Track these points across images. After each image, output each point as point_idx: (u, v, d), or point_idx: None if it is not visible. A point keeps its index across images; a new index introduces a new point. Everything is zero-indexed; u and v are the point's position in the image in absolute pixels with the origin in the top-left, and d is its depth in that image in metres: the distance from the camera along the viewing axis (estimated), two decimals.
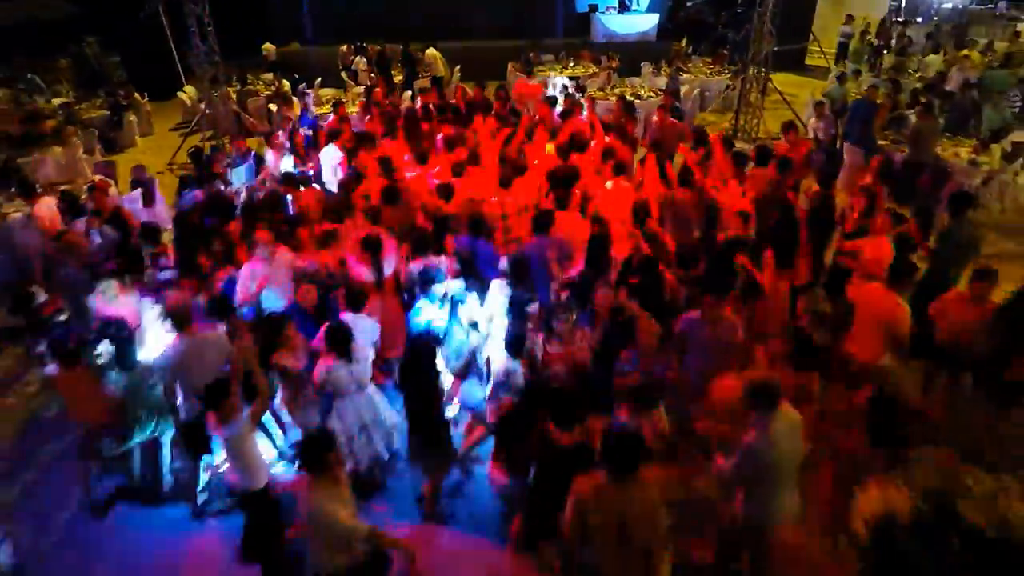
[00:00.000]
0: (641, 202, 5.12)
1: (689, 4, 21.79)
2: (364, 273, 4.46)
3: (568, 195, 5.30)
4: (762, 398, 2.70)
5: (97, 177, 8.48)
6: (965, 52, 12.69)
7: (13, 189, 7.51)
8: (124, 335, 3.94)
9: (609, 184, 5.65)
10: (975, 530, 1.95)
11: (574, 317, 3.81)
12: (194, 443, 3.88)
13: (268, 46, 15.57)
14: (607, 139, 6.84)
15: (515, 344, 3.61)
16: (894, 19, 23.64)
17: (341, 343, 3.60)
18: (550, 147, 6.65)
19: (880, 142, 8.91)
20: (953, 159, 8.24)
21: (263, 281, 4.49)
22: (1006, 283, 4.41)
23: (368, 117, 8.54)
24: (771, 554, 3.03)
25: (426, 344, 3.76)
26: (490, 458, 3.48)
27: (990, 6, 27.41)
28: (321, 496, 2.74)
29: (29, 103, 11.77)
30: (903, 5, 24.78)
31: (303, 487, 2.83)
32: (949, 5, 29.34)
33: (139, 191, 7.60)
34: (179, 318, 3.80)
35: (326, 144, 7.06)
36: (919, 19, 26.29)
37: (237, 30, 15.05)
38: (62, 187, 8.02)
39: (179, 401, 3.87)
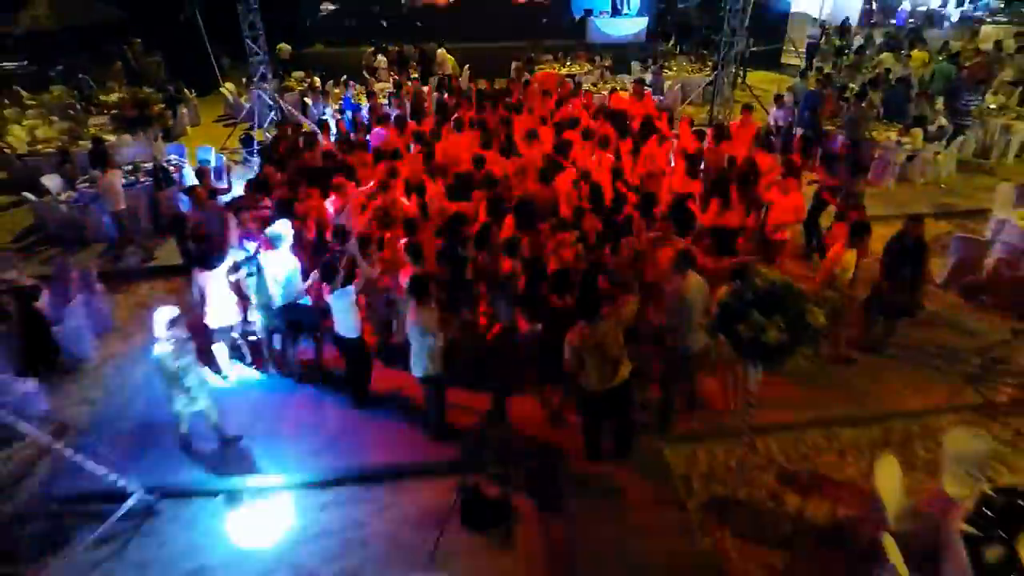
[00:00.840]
0: (618, 165, 6.69)
1: (680, 7, 23.38)
2: (407, 204, 6.02)
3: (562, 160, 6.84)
4: (681, 262, 4.22)
5: (172, 157, 10.10)
6: (914, 51, 14.20)
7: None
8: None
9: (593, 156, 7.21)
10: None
11: (573, 238, 5.28)
12: (295, 325, 5.35)
13: (283, 46, 16.95)
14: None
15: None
16: (870, 21, 25.23)
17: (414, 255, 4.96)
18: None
19: (827, 127, 10.46)
20: (884, 140, 9.76)
21: (338, 208, 5.99)
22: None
23: (399, 104, 10.12)
24: (690, 367, 4.63)
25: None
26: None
27: (959, 8, 28.94)
28: (423, 316, 4.23)
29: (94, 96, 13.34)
30: (873, 8, 26.23)
31: (411, 310, 4.29)
32: (924, 8, 30.90)
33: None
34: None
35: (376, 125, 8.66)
36: (894, 20, 27.80)
37: (268, 32, 16.61)
38: (144, 164, 9.53)
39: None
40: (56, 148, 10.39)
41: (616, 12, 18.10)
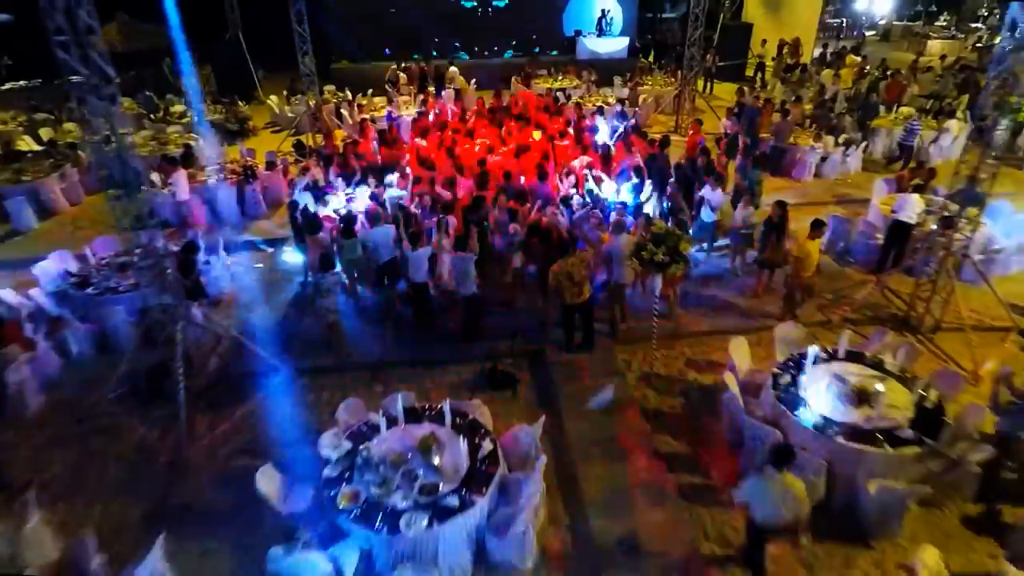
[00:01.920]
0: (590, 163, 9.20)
1: (663, 27, 25.84)
2: (447, 194, 8.47)
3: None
4: (616, 228, 6.69)
5: (248, 159, 12.49)
6: (843, 70, 16.67)
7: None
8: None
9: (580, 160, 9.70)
10: None
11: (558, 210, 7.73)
12: (382, 279, 7.76)
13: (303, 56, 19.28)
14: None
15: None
16: (839, 35, 27.72)
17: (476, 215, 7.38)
18: (537, 134, 10.68)
19: (763, 135, 12.90)
20: (804, 145, 12.20)
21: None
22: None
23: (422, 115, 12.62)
24: (621, 295, 7.10)
25: None
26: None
27: (910, 22, 31.42)
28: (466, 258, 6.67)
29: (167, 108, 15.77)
30: (844, 24, 28.75)
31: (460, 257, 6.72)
32: (883, 21, 33.38)
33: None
34: (374, 218, 7.76)
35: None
36: (856, 32, 30.25)
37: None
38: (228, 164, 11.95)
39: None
40: (147, 152, 12.84)
41: (601, 32, 20.52)
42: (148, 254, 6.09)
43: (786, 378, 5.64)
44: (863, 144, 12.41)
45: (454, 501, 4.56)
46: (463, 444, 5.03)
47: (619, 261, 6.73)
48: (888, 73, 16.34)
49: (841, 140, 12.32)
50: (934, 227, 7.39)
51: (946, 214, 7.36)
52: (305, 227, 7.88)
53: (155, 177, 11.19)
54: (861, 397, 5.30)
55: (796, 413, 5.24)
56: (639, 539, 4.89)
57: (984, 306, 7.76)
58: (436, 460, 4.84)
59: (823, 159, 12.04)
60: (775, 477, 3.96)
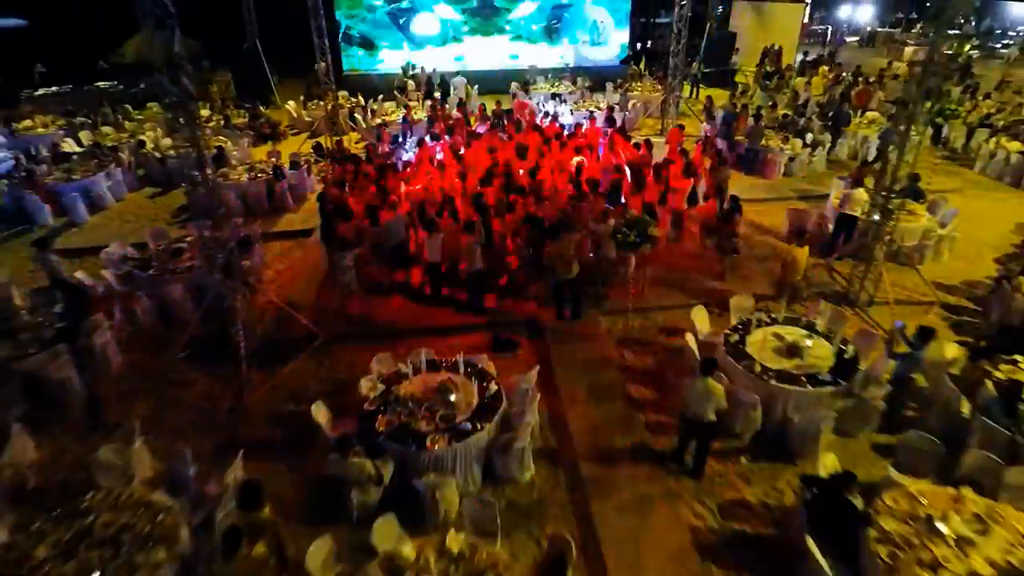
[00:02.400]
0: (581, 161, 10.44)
1: (656, 32, 27.05)
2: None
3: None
4: (601, 216, 7.93)
5: (274, 159, 13.70)
6: (815, 78, 17.92)
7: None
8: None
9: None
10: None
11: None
12: (393, 258, 9.00)
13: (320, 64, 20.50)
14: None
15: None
16: (825, 41, 28.89)
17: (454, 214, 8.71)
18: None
19: (738, 137, 14.13)
20: (774, 146, 13.42)
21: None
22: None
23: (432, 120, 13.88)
24: (606, 267, 8.35)
25: None
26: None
27: (892, 29, 32.63)
28: (472, 242, 7.90)
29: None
30: (826, 29, 29.95)
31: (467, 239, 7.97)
32: (868, 27, 34.61)
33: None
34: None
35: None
36: (837, 39, 31.52)
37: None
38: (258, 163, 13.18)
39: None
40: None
41: (595, 42, 21.79)
42: (216, 241, 7.28)
43: (735, 337, 6.89)
44: (828, 146, 13.66)
45: (467, 427, 5.80)
46: (474, 386, 6.28)
47: (604, 240, 7.98)
48: (859, 80, 17.59)
49: (808, 141, 13.55)
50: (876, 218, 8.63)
51: (888, 207, 8.59)
52: (336, 215, 9.13)
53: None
54: (792, 351, 6.56)
55: (742, 363, 6.48)
56: (613, 454, 6.14)
57: (915, 285, 9.01)
58: (452, 398, 6.08)
59: (791, 159, 13.27)
60: (701, 380, 5.23)
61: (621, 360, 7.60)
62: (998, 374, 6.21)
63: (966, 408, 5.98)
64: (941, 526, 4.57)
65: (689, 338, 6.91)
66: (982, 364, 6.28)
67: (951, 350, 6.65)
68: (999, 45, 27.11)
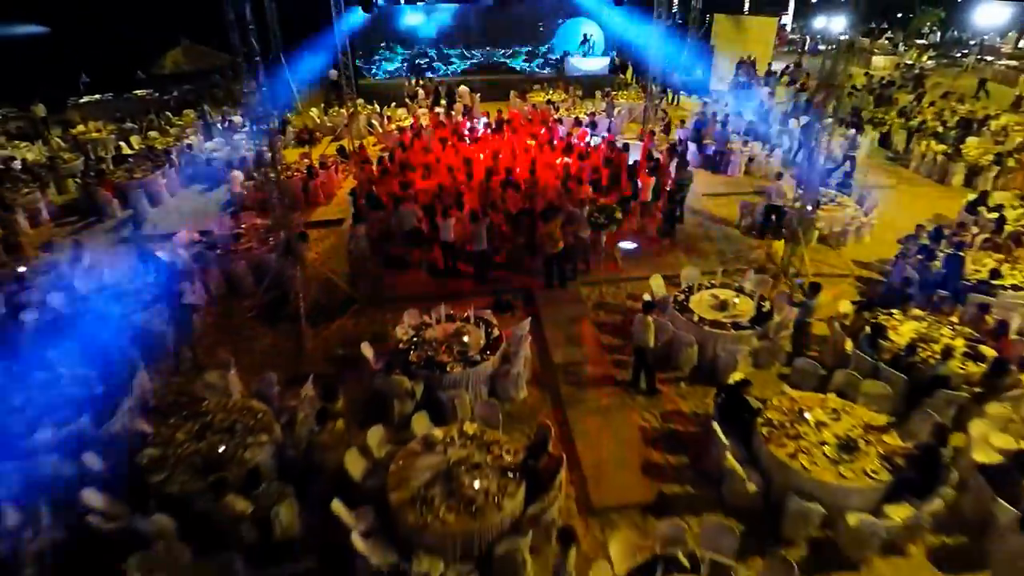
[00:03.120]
0: (567, 164, 12.37)
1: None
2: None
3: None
4: (579, 203, 9.87)
5: (305, 160, 15.61)
6: (778, 86, 19.84)
7: None
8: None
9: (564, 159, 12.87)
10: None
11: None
12: (408, 239, 10.93)
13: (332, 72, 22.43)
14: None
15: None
16: (799, 50, 30.67)
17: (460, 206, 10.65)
18: (531, 141, 13.88)
19: (706, 141, 16.05)
20: (736, 148, 15.35)
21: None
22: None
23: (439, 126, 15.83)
24: (582, 245, 10.30)
25: None
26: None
27: (864, 38, 34.45)
28: (479, 226, 9.85)
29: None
30: (804, 39, 31.79)
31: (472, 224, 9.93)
32: (844, 36, 36.42)
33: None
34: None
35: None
36: (809, 48, 33.38)
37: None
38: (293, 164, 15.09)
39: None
40: (225, 155, 16.02)
41: (586, 53, 23.70)
42: (284, 226, 9.20)
43: (681, 296, 8.84)
44: (785, 148, 15.62)
45: (477, 358, 7.75)
46: (481, 331, 8.23)
47: (582, 223, 9.95)
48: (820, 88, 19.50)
49: (766, 145, 15.50)
50: (808, 208, 10.56)
51: (820, 199, 10.53)
52: (370, 205, 11.08)
53: (237, 174, 14.41)
54: (723, 305, 8.51)
55: (685, 315, 8.43)
56: (586, 381, 8.09)
57: (837, 261, 10.96)
58: (466, 339, 8.03)
59: (750, 160, 15.21)
60: (642, 317, 7.20)
61: (596, 318, 9.55)
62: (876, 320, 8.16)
63: (849, 346, 7.92)
64: (807, 415, 6.52)
65: (647, 298, 8.84)
66: (864, 315, 8.22)
67: (844, 306, 8.59)
68: (959, 55, 28.98)
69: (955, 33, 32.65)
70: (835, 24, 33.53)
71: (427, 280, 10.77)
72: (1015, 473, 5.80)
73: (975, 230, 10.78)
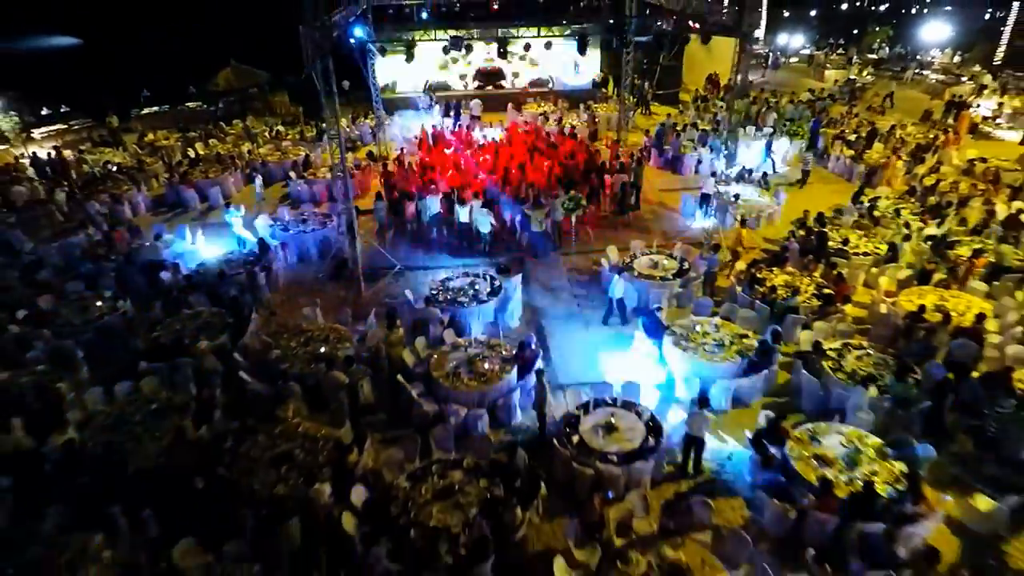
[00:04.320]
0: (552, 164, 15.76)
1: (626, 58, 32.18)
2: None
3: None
4: (554, 196, 13.22)
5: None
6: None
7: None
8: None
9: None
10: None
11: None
12: (432, 224, 14.26)
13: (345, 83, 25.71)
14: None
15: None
16: (765, 65, 33.84)
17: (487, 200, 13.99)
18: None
19: (666, 146, 19.41)
20: (688, 152, 18.70)
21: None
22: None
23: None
24: (559, 228, 13.71)
25: None
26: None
27: (819, 51, 37.68)
28: (484, 212, 13.21)
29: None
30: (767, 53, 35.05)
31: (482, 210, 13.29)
32: (808, 51, 39.73)
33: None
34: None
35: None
36: (770, 63, 36.58)
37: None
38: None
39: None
40: (275, 159, 19.38)
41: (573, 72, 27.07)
42: (346, 211, 12.55)
43: (627, 261, 12.23)
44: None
45: (484, 298, 11.12)
46: (487, 283, 11.60)
47: (556, 211, 13.34)
48: (767, 102, 22.85)
49: (712, 151, 18.87)
50: (733, 197, 13.93)
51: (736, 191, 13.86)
52: (403, 197, 14.47)
53: (293, 174, 17.77)
54: (656, 265, 11.90)
55: (630, 273, 11.81)
56: (563, 316, 11.46)
57: (756, 237, 14.32)
58: (477, 287, 11.41)
59: (699, 162, 18.57)
60: (616, 277, 10.60)
61: (571, 276, 12.93)
62: (761, 275, 11.53)
63: (738, 288, 11.30)
64: (697, 327, 9.89)
65: (604, 262, 12.25)
66: (751, 270, 11.58)
67: (740, 265, 11.96)
68: (898, 69, 32.28)
69: (900, 49, 35.91)
70: (795, 41, 36.81)
71: (446, 252, 14.17)
72: (815, 356, 9.16)
73: (853, 216, 14.16)
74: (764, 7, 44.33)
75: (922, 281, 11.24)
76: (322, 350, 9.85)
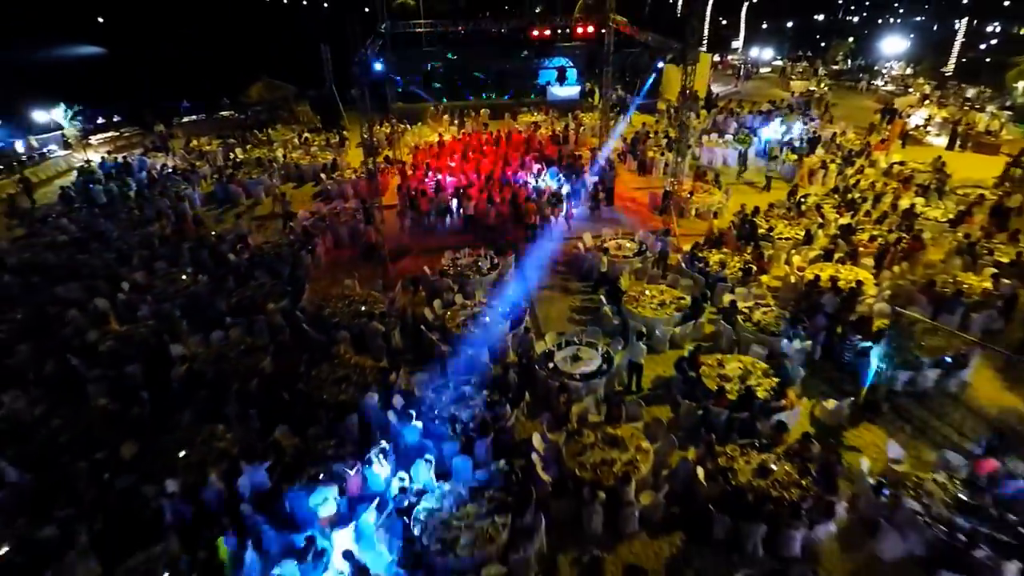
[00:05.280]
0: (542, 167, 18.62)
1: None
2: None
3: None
4: (538, 194, 16.04)
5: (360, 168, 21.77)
6: (703, 112, 26.03)
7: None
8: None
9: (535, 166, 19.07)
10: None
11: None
12: (443, 214, 17.10)
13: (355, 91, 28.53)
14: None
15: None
16: (739, 76, 36.60)
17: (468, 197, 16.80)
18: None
19: (639, 152, 22.25)
20: (657, 156, 21.55)
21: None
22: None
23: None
24: (547, 219, 16.57)
25: None
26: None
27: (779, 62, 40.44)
28: (482, 205, 16.06)
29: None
30: (740, 65, 37.80)
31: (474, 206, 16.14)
32: (780, 63, 42.49)
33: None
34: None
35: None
36: (743, 75, 39.39)
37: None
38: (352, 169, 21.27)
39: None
40: (307, 162, 22.23)
41: (561, 83, 29.89)
42: (373, 205, 15.41)
43: (600, 243, 15.10)
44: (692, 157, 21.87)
45: (487, 272, 14.01)
46: (488, 260, 14.48)
47: (543, 205, 16.20)
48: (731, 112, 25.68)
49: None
50: (687, 194, 16.75)
51: (690, 190, 16.70)
52: (420, 194, 17.34)
53: (322, 176, 20.64)
54: (622, 247, 14.78)
55: (602, 252, 14.67)
56: (548, 288, 14.33)
57: (705, 227, 17.17)
58: (479, 263, 14.29)
59: (666, 164, 21.41)
60: (600, 255, 13.47)
61: (555, 256, 15.80)
62: (702, 254, 14.37)
63: (682, 265, 14.15)
64: (646, 292, 12.77)
65: (580, 245, 15.12)
66: (693, 251, 14.43)
67: (687, 246, 14.82)
68: (854, 80, 35.11)
69: (860, 61, 38.73)
70: (766, 53, 39.61)
71: (455, 239, 17.03)
72: (733, 312, 12.02)
73: (783, 208, 17.04)
74: (743, 20, 47.49)
75: (826, 259, 14.11)
76: (362, 308, 12.72)
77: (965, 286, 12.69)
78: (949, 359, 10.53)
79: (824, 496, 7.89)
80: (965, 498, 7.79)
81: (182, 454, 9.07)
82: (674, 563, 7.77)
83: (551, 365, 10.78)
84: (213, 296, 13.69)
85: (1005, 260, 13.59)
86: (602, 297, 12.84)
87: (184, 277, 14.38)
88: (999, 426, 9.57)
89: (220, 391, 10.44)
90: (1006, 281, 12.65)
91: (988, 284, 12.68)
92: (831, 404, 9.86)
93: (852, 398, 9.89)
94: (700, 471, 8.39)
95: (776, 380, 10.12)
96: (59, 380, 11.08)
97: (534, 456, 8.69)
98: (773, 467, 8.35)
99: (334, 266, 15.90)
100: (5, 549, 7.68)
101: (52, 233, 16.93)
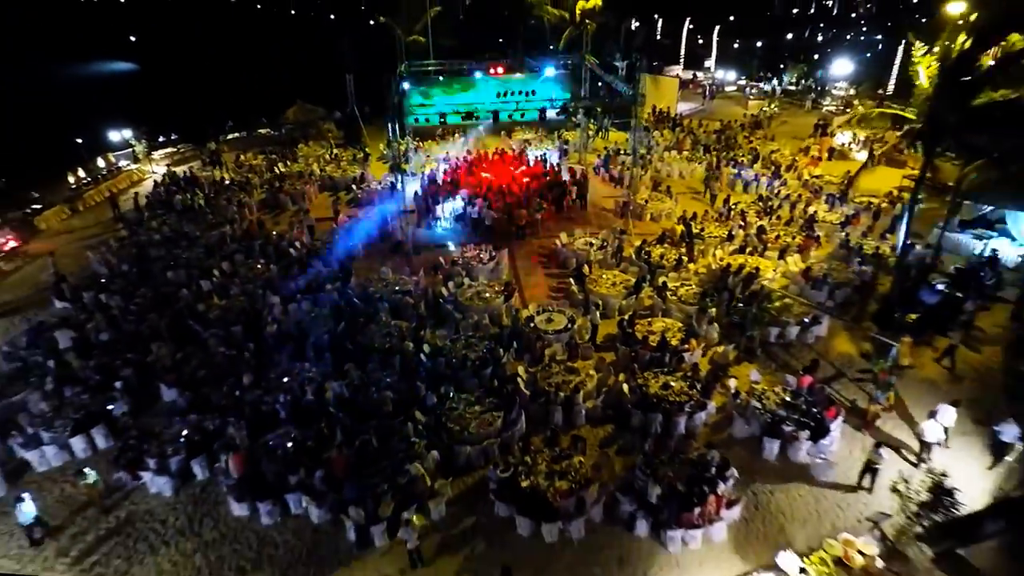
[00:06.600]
0: (529, 180, 22.81)
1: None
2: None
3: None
4: (529, 202, 20.18)
5: (388, 178, 25.84)
6: (666, 132, 30.20)
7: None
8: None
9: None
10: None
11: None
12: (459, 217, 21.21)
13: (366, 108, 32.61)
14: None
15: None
16: (711, 93, 40.57)
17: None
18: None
19: (611, 165, 26.37)
20: (625, 170, 25.68)
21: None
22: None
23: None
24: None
25: None
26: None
27: (743, 83, 44.44)
28: (492, 212, 20.21)
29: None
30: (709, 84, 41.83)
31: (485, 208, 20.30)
32: (743, 82, 46.58)
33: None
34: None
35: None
36: (708, 94, 43.42)
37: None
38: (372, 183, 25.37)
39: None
40: (339, 174, 26.30)
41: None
42: (399, 214, 19.53)
43: (570, 240, 19.26)
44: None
45: (486, 261, 18.16)
46: (488, 253, 18.65)
47: (536, 205, 20.37)
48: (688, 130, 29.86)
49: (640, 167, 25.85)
50: (642, 201, 20.88)
51: (645, 198, 20.87)
52: (433, 202, 21.50)
53: (354, 186, 24.78)
54: (592, 244, 18.95)
55: (574, 248, 18.82)
56: (532, 276, 18.49)
57: (657, 228, 21.32)
58: (483, 255, 18.45)
59: (631, 177, 25.55)
60: (570, 251, 17.64)
61: (538, 251, 19.93)
62: (648, 248, 18.52)
63: (633, 256, 18.30)
64: (604, 276, 16.95)
65: (558, 243, 19.27)
66: (644, 245, 18.58)
67: (638, 242, 18.98)
68: (801, 100, 39.21)
69: (808, 82, 42.84)
70: (730, 74, 43.63)
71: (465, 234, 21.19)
72: (664, 289, 16.18)
73: (715, 213, 21.22)
74: (714, 41, 51.56)
75: (741, 252, 18.29)
76: (396, 288, 16.87)
77: (834, 272, 16.91)
78: (807, 320, 14.75)
79: (700, 399, 12.09)
80: (788, 399, 12.01)
81: (285, 380, 13.24)
82: (606, 440, 11.97)
83: (532, 325, 14.95)
84: (283, 280, 17.80)
85: (868, 252, 17.84)
86: (571, 279, 17.00)
87: (259, 266, 18.48)
88: (817, 357, 13.75)
89: (301, 343, 14.58)
90: (865, 268, 16.90)
91: (851, 272, 16.94)
92: (721, 349, 14.06)
93: (734, 344, 14.10)
94: (626, 387, 12.57)
95: (684, 333, 14.33)
96: (183, 338, 15.17)
97: (518, 379, 12.87)
98: (672, 384, 12.54)
99: (370, 257, 20.00)
100: (186, 432, 11.84)
101: (148, 234, 20.97)
